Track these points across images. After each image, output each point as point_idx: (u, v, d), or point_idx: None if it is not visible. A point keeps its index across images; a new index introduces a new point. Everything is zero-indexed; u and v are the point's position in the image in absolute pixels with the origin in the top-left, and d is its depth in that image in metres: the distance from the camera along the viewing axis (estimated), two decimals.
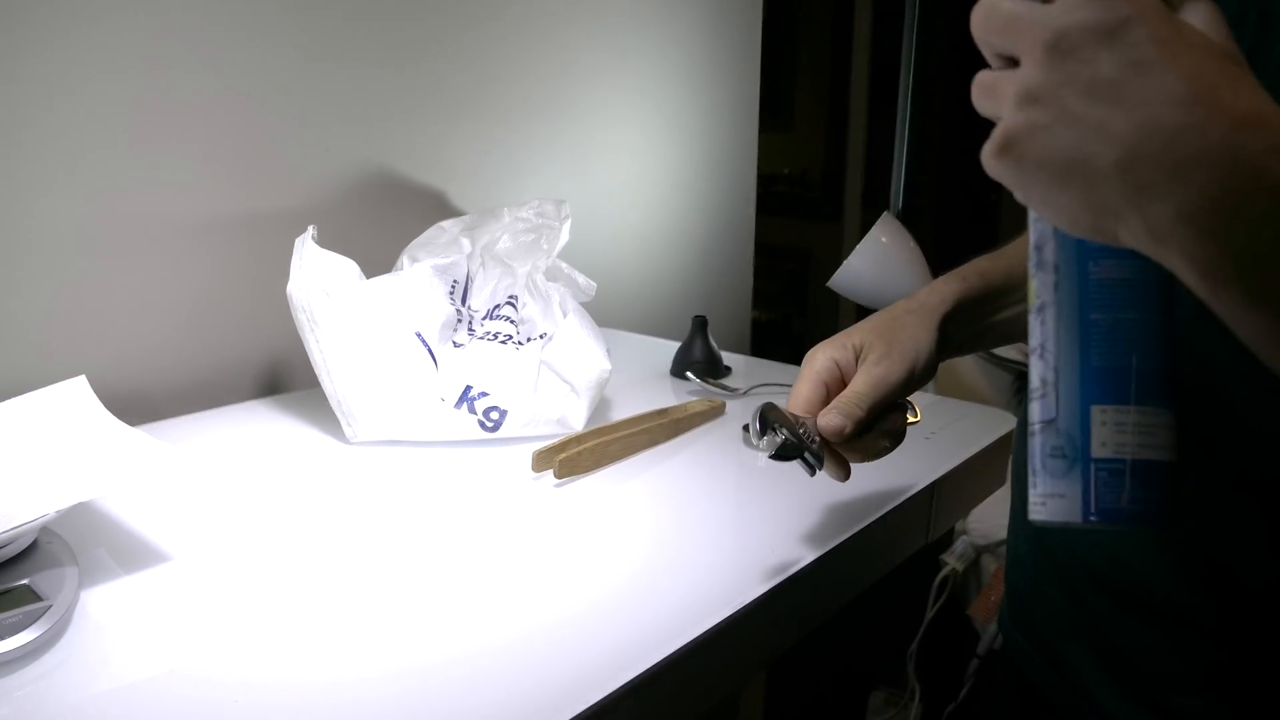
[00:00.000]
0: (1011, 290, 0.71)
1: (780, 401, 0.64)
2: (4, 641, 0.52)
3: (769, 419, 0.63)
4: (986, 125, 0.42)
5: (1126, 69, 0.36)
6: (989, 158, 0.40)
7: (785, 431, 0.62)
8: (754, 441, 0.63)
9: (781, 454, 0.62)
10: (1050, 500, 0.43)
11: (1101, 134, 0.36)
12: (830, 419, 0.62)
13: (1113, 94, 0.36)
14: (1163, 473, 0.42)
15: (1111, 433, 0.42)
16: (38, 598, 0.57)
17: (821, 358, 0.67)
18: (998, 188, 0.42)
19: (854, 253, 1.28)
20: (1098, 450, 0.42)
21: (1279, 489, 0.49)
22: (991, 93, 0.40)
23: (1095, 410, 0.42)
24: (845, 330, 0.70)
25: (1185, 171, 0.35)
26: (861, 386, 0.64)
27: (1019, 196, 0.41)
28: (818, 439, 0.63)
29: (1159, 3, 0.37)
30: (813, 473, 0.63)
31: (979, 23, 0.40)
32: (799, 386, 0.66)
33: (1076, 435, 0.42)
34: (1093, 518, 0.42)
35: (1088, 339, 0.42)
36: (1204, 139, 0.35)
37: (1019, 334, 0.69)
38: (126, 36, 0.91)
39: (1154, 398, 0.42)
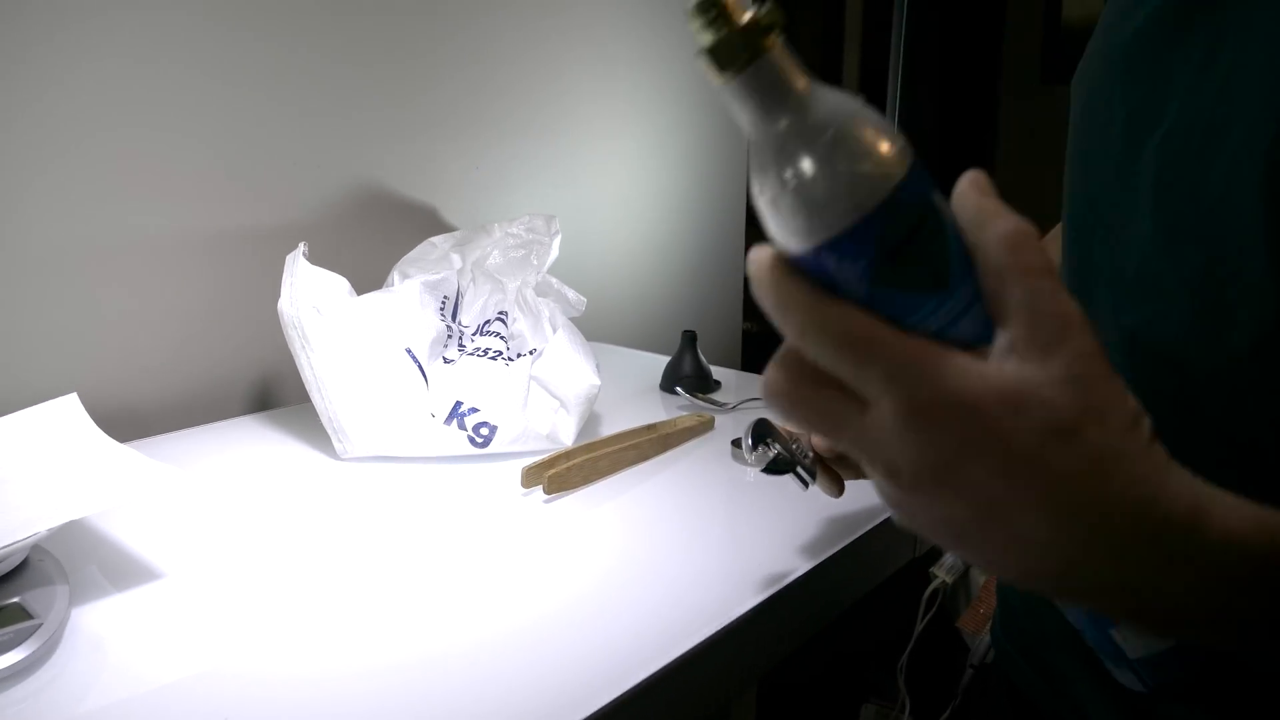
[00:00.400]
0: None
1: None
2: None
3: (761, 433, 0.63)
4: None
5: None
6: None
7: (778, 446, 0.63)
8: (746, 456, 0.63)
9: (773, 468, 0.63)
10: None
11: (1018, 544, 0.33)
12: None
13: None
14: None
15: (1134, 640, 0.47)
16: (29, 615, 0.57)
17: None
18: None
19: None
20: (1132, 654, 0.47)
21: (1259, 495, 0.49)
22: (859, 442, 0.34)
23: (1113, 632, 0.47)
24: None
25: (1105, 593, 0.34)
26: None
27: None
28: (810, 454, 0.64)
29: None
30: (805, 487, 0.64)
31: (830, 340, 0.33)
32: None
33: (1109, 648, 0.48)
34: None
35: None
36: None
37: None
38: (119, 58, 0.92)
39: None
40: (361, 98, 1.13)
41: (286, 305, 0.86)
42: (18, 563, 0.61)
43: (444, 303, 0.98)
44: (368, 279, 0.99)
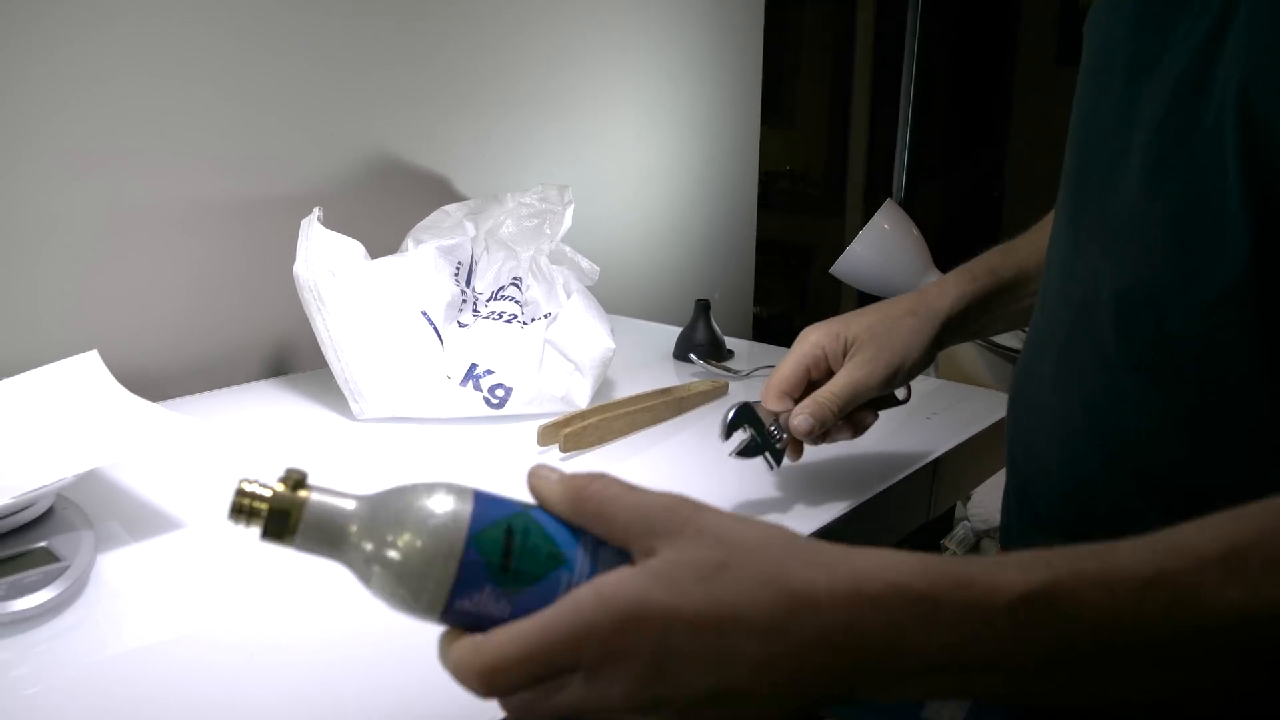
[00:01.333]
0: (1023, 284, 0.72)
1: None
2: (24, 599, 0.54)
3: (740, 418, 0.68)
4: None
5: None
6: None
7: (751, 430, 0.68)
8: (720, 439, 0.68)
9: (744, 453, 0.68)
10: None
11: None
12: (801, 421, 0.67)
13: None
14: None
15: None
16: (56, 559, 0.58)
17: (811, 341, 0.70)
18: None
19: (856, 239, 1.29)
20: None
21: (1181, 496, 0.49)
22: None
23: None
24: (843, 316, 0.71)
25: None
26: (838, 388, 0.68)
27: None
28: (785, 437, 0.68)
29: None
30: (771, 469, 0.69)
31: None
32: (783, 363, 0.70)
33: None
34: None
35: None
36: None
37: (1025, 323, 0.70)
38: (138, 20, 0.92)
39: None
40: (376, 67, 1.13)
41: (302, 269, 0.87)
42: (43, 509, 0.62)
43: (458, 268, 0.98)
44: (382, 246, 0.99)
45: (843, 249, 1.39)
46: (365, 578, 0.39)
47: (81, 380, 0.73)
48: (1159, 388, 0.50)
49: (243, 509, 0.39)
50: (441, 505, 0.38)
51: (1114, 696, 0.36)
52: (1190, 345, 0.49)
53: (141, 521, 0.68)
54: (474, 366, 0.88)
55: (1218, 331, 0.48)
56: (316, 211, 0.91)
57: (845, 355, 0.69)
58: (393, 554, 0.38)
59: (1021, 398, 0.62)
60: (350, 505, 0.39)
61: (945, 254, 1.57)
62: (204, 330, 1.03)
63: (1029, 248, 0.73)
